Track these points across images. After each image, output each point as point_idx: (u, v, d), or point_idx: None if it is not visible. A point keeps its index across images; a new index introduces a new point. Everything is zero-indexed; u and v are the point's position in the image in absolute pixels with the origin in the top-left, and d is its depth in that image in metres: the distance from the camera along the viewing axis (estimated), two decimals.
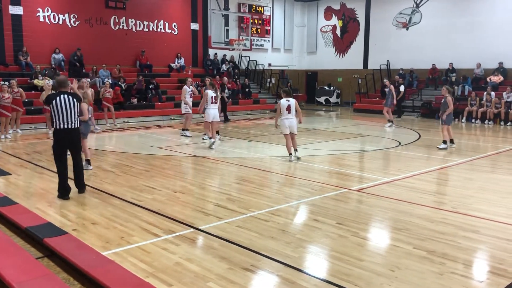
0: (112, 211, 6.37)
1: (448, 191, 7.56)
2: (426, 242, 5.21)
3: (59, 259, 4.65)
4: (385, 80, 19.85)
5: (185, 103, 13.40)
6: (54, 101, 6.80)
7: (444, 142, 11.83)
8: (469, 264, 4.71)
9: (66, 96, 6.84)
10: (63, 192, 6.99)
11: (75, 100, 6.92)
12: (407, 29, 23.83)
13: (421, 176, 8.78)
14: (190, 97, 13.54)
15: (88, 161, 9.06)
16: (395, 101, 17.22)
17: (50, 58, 18.67)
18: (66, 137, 6.85)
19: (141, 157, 10.67)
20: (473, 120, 18.94)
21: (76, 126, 6.93)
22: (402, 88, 19.53)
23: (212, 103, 11.69)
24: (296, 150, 10.11)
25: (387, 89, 17.35)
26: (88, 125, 9.13)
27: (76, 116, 6.90)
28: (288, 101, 9.87)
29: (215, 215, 6.20)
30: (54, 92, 9.26)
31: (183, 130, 13.85)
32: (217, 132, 12.89)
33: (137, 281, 4.02)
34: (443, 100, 11.96)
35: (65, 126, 6.81)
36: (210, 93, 11.65)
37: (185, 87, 13.46)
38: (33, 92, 16.61)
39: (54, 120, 6.88)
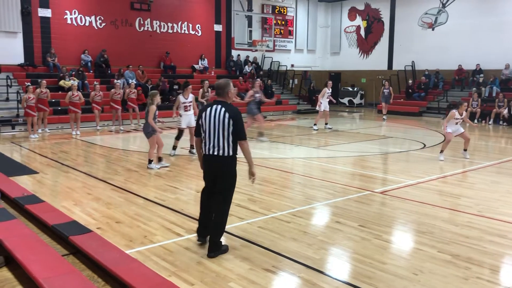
0: (135, 210, 6.46)
1: (473, 195, 7.40)
2: (451, 246, 5.12)
3: (84, 256, 4.74)
4: None
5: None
6: (203, 114, 4.86)
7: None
8: (495, 269, 4.60)
9: (218, 108, 4.78)
10: (199, 230, 5.18)
11: (227, 115, 4.72)
12: (433, 29, 23.45)
13: (446, 179, 8.63)
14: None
15: None
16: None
17: (76, 59, 19.05)
18: (209, 167, 4.96)
19: (164, 157, 10.76)
20: (500, 122, 18.51)
21: (225, 154, 4.81)
22: None
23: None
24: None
25: None
26: None
27: (226, 139, 4.76)
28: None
29: (237, 215, 6.22)
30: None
31: None
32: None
33: (160, 280, 4.06)
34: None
35: (209, 152, 4.84)
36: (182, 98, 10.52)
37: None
38: (60, 92, 16.96)
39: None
